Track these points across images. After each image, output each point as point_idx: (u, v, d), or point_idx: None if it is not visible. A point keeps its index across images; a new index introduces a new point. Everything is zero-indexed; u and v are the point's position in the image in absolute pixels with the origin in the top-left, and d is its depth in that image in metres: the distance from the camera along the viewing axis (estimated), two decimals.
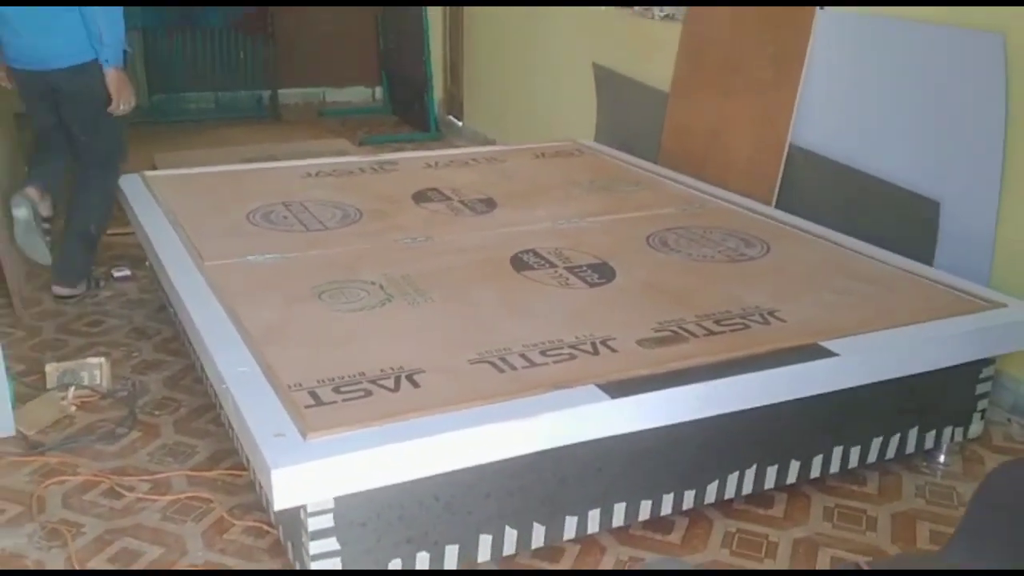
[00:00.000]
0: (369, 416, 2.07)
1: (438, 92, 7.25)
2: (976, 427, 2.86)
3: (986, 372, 2.80)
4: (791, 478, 2.59)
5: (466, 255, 3.10)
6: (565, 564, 2.36)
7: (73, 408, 3.02)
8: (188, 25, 7.34)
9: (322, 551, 2.05)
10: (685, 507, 2.48)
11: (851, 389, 2.49)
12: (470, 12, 6.86)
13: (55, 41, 3.59)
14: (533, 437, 2.14)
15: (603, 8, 5.22)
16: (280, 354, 2.34)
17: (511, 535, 2.26)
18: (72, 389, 3.06)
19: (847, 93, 3.62)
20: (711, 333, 2.53)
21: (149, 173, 3.99)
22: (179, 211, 3.45)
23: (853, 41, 3.60)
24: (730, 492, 2.52)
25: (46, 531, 2.43)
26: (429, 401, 2.14)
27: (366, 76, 8.14)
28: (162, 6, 7.04)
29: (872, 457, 2.70)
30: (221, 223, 3.37)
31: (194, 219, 3.37)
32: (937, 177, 3.27)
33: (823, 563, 2.39)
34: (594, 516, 2.35)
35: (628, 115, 4.95)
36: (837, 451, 2.64)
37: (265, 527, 2.44)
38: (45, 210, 3.79)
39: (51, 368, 3.14)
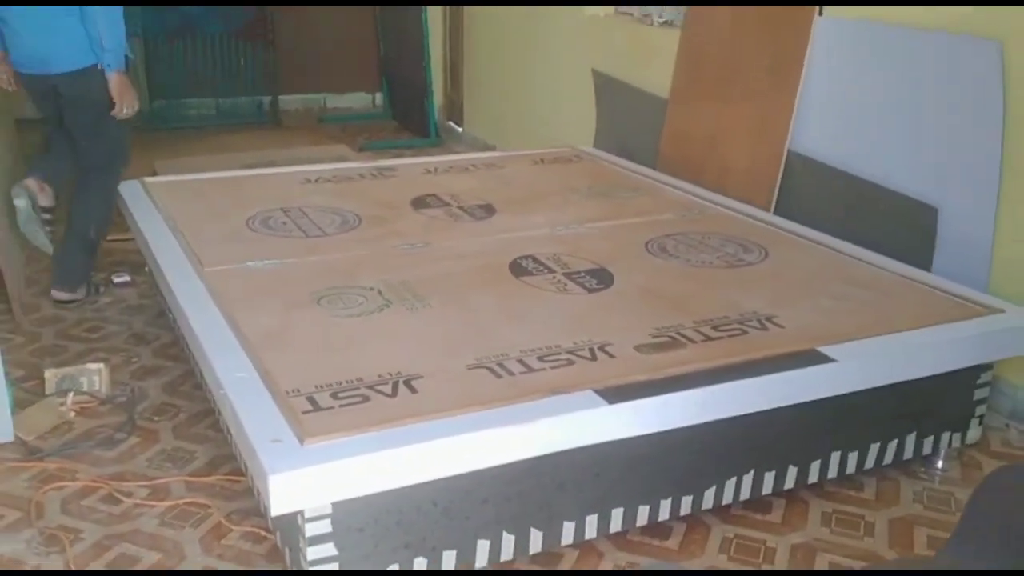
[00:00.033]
0: (366, 422, 2.07)
1: (438, 98, 7.26)
2: (974, 433, 2.86)
3: (984, 378, 2.80)
4: (789, 484, 2.60)
5: (465, 261, 3.11)
6: (563, 569, 2.36)
7: (72, 414, 3.02)
8: (189, 32, 7.35)
9: (320, 557, 2.05)
10: (683, 512, 2.48)
11: (849, 394, 2.49)
12: (470, 18, 6.87)
13: (56, 45, 3.61)
14: (530, 442, 2.14)
15: (602, 15, 5.24)
16: (278, 360, 2.34)
17: (509, 541, 2.27)
18: (71, 395, 3.06)
19: (845, 99, 3.63)
20: (709, 339, 2.54)
21: (149, 179, 4.00)
22: (178, 217, 3.46)
23: (851, 48, 3.61)
24: (728, 498, 2.52)
25: (44, 537, 2.43)
26: (426, 407, 2.14)
27: (366, 82, 8.16)
28: (161, 6, 7.05)
29: (870, 463, 2.70)
30: (220, 229, 3.37)
31: (193, 225, 3.38)
32: (935, 183, 3.28)
33: (821, 569, 2.40)
34: (592, 521, 2.36)
35: (627, 121, 4.96)
36: (835, 457, 2.64)
37: (263, 532, 2.44)
38: (45, 200, 3.81)
39: (50, 374, 3.15)
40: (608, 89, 5.11)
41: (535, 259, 3.11)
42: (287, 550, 2.25)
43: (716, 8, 4.24)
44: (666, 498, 2.44)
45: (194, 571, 2.33)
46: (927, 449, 2.79)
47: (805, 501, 2.65)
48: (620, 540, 2.45)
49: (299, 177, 4.13)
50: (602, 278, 2.96)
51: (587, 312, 2.72)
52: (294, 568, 2.20)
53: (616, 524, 2.39)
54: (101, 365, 3.18)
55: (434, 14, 7.02)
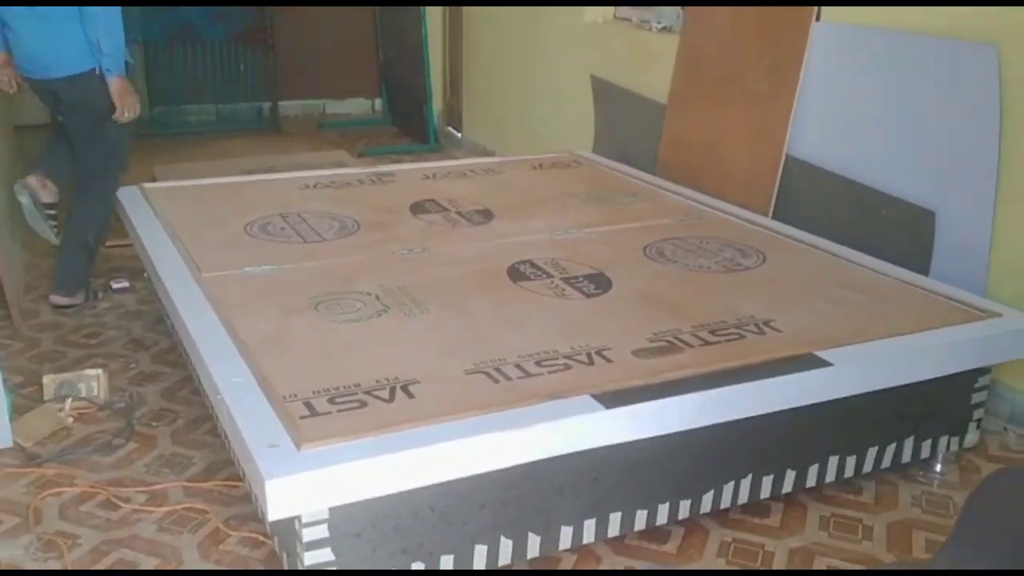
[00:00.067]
0: (363, 427, 2.07)
1: (437, 104, 7.27)
2: (972, 436, 2.86)
3: (982, 381, 2.80)
4: (787, 488, 2.60)
5: (463, 266, 3.11)
6: (563, 570, 2.36)
7: (70, 420, 3.02)
8: (189, 38, 7.36)
9: (317, 561, 2.05)
10: (681, 517, 2.48)
11: (846, 398, 2.50)
12: (470, 24, 6.88)
13: (55, 50, 3.63)
14: (528, 447, 2.14)
15: (600, 20, 5.25)
16: (275, 365, 2.35)
17: (506, 545, 2.27)
18: (69, 401, 3.06)
19: (843, 104, 3.64)
20: (706, 343, 2.54)
21: (148, 185, 4.01)
22: (177, 223, 3.46)
23: (848, 53, 3.62)
24: (726, 502, 2.52)
25: (42, 542, 2.43)
26: (423, 412, 2.14)
27: (366, 88, 8.16)
28: (160, 13, 7.06)
29: (868, 466, 2.70)
30: (219, 235, 3.38)
31: (192, 231, 3.38)
32: (933, 187, 3.28)
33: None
34: (589, 526, 2.36)
35: (626, 127, 4.96)
36: (833, 460, 2.64)
37: (261, 538, 2.44)
38: (48, 197, 3.88)
39: (48, 380, 3.15)
40: (607, 94, 5.12)
41: (533, 264, 3.11)
42: (285, 555, 2.24)
43: (714, 14, 4.25)
44: (664, 502, 2.44)
45: (194, 571, 2.34)
46: (925, 453, 2.79)
47: (803, 505, 2.65)
48: (618, 544, 2.45)
49: (298, 183, 4.14)
50: (600, 283, 2.96)
51: (585, 317, 2.72)
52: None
53: (614, 528, 2.39)
54: (99, 371, 3.18)
55: (433, 20, 7.03)
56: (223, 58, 7.53)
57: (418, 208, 3.77)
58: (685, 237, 3.42)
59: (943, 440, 2.81)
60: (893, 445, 2.72)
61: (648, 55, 4.77)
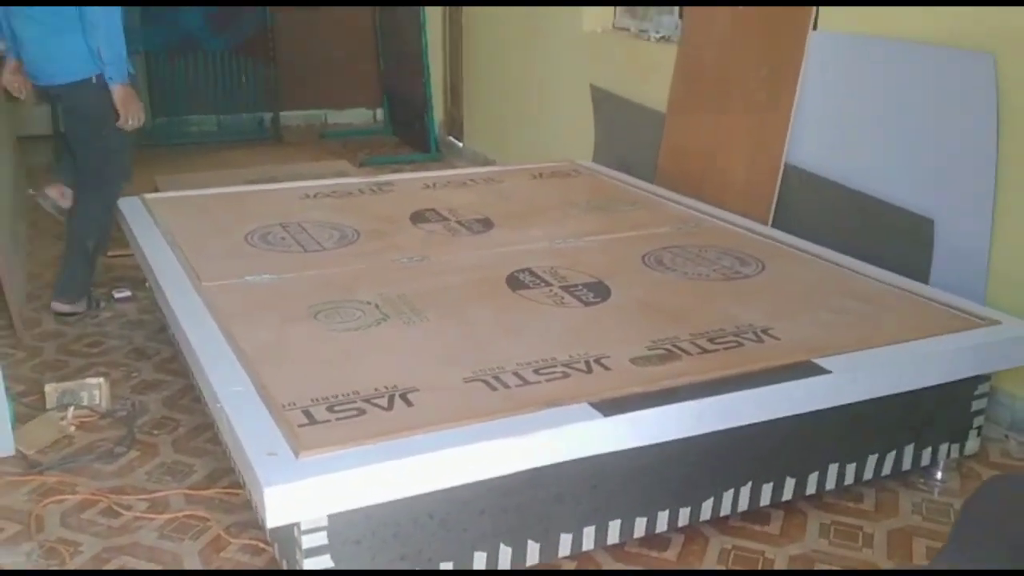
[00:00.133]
0: (362, 434, 2.08)
1: (438, 113, 7.30)
2: (972, 444, 2.86)
3: (981, 389, 2.80)
4: (787, 495, 2.60)
5: (462, 275, 3.12)
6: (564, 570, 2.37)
7: (72, 428, 3.03)
8: (190, 49, 7.40)
9: (316, 569, 2.06)
10: (680, 524, 2.48)
11: (846, 406, 2.50)
12: (470, 33, 6.91)
13: (55, 57, 3.68)
14: (526, 455, 2.14)
15: (600, 30, 5.28)
16: (275, 373, 2.36)
17: (506, 552, 2.27)
18: (71, 409, 3.08)
19: (841, 113, 3.65)
20: (705, 351, 2.55)
21: (149, 195, 4.03)
22: (178, 233, 3.47)
23: (846, 61, 3.63)
24: (726, 509, 2.53)
25: (44, 550, 2.44)
26: (422, 419, 2.15)
27: (367, 98, 8.19)
28: (161, 24, 7.10)
29: (868, 474, 2.71)
30: (219, 244, 3.39)
31: (192, 240, 3.40)
32: (931, 195, 3.29)
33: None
34: (589, 533, 2.36)
35: (625, 136, 4.98)
36: (833, 468, 2.65)
37: (261, 545, 2.45)
38: (68, 203, 3.99)
39: (50, 388, 3.16)
40: (606, 104, 5.13)
41: (532, 272, 3.12)
42: (285, 562, 2.25)
43: (712, 23, 4.27)
44: (663, 510, 2.44)
45: (195, 571, 2.35)
46: (926, 460, 2.80)
47: (803, 512, 2.65)
48: (618, 552, 2.45)
49: (298, 192, 4.16)
50: (599, 291, 2.97)
51: (583, 325, 2.73)
52: None
53: (614, 536, 2.40)
54: (101, 379, 3.20)
55: (434, 30, 7.06)
56: (224, 69, 7.56)
57: (418, 217, 3.78)
58: (684, 245, 3.43)
59: (943, 447, 2.81)
60: (893, 452, 2.72)
61: (647, 65, 4.79)
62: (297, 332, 2.64)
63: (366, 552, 2.10)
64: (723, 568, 2.43)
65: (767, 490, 2.56)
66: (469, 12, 6.85)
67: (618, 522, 2.39)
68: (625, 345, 2.56)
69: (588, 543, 2.37)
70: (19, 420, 2.99)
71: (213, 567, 2.39)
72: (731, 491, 2.51)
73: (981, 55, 3.07)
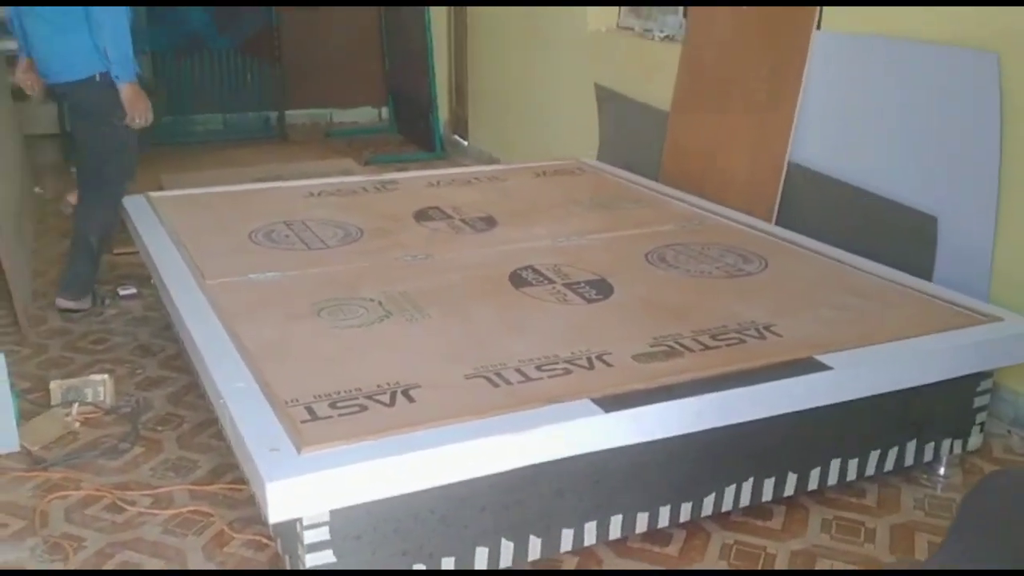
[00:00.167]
0: (364, 431, 2.09)
1: (443, 112, 7.31)
2: (975, 439, 2.86)
3: (984, 385, 2.80)
4: (789, 491, 2.60)
5: (465, 272, 3.13)
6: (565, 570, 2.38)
7: (77, 424, 3.05)
8: (196, 48, 7.42)
9: (318, 564, 2.07)
10: (682, 519, 2.49)
11: (848, 402, 2.50)
12: (474, 32, 6.92)
13: (60, 55, 3.72)
14: (528, 451, 2.15)
15: (604, 29, 5.28)
16: (278, 370, 2.37)
17: (507, 548, 2.28)
18: (76, 405, 3.09)
19: (844, 111, 3.65)
20: (707, 348, 2.55)
21: (153, 194, 4.04)
22: (182, 231, 3.49)
23: (849, 60, 3.63)
24: (727, 504, 2.53)
25: (48, 545, 2.45)
26: (424, 416, 2.16)
27: (372, 97, 8.21)
28: (168, 25, 7.12)
29: (871, 470, 2.71)
30: (224, 242, 3.41)
31: (197, 238, 3.41)
32: (935, 193, 3.29)
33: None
34: (590, 528, 2.37)
35: (630, 134, 4.98)
36: (835, 464, 2.65)
37: (264, 540, 2.46)
38: None
39: (55, 385, 3.18)
40: (611, 103, 5.14)
41: (535, 270, 3.13)
42: (287, 557, 2.26)
43: (716, 23, 4.27)
44: (665, 505, 2.45)
45: (195, 571, 2.36)
46: (928, 456, 2.80)
47: (806, 507, 2.66)
48: (620, 547, 2.46)
49: (303, 191, 4.17)
50: (601, 288, 2.98)
51: (586, 322, 2.74)
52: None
53: (615, 531, 2.40)
54: (105, 376, 3.21)
55: (438, 29, 7.08)
56: (230, 68, 7.58)
57: (422, 215, 3.79)
58: (687, 243, 3.43)
59: (946, 443, 2.81)
60: (896, 448, 2.72)
61: (651, 64, 4.80)
62: (300, 329, 2.65)
63: (367, 548, 2.11)
64: (725, 565, 2.43)
65: (769, 485, 2.57)
66: (474, 11, 6.87)
67: (620, 517, 2.39)
68: (627, 342, 2.56)
69: (590, 538, 2.37)
70: (24, 416, 3.01)
71: (216, 562, 2.40)
72: (733, 486, 2.52)
73: (985, 54, 3.07)
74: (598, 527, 2.37)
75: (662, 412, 2.27)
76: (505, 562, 2.29)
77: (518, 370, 2.39)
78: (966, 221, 3.19)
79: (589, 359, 2.46)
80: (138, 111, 3.76)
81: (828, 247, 3.38)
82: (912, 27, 3.34)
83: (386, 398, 2.24)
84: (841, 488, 2.71)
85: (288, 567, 2.26)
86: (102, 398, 3.16)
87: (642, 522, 2.43)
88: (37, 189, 5.70)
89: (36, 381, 3.34)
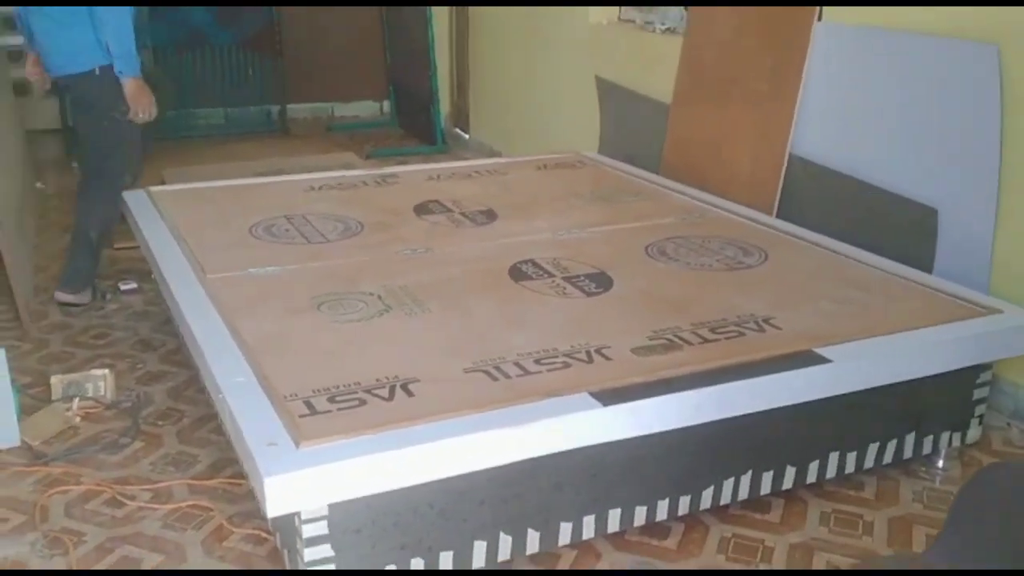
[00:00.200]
0: (362, 425, 2.09)
1: (445, 105, 7.30)
2: (974, 432, 2.86)
3: (983, 377, 2.80)
4: (787, 484, 2.60)
5: (465, 266, 3.13)
6: (561, 569, 2.38)
7: (77, 419, 3.06)
8: (198, 43, 7.41)
9: (317, 558, 2.07)
10: (681, 512, 2.49)
11: (847, 395, 2.50)
12: (476, 26, 6.91)
13: (60, 49, 3.75)
14: (526, 444, 2.15)
15: (605, 22, 5.27)
16: (277, 364, 2.37)
17: (506, 541, 2.28)
18: (76, 400, 3.10)
19: (845, 103, 3.64)
20: (706, 341, 2.55)
21: (154, 188, 4.04)
22: (183, 225, 3.49)
23: (850, 52, 3.62)
24: (726, 498, 2.53)
25: (48, 539, 2.46)
26: (422, 410, 2.16)
27: (374, 91, 8.20)
28: (169, 20, 7.11)
29: (869, 463, 2.71)
30: (224, 237, 3.41)
31: (197, 233, 3.41)
32: (935, 185, 3.28)
33: (818, 568, 2.40)
34: (589, 522, 2.37)
35: (631, 127, 4.98)
36: (834, 457, 2.65)
37: (264, 534, 2.47)
38: None
39: (56, 380, 3.19)
40: (612, 96, 5.13)
41: (535, 263, 3.13)
42: (286, 552, 2.27)
43: (717, 15, 4.26)
44: (664, 498, 2.45)
45: (196, 571, 2.36)
46: (927, 449, 2.80)
47: (804, 501, 2.66)
48: (618, 540, 2.46)
49: (303, 185, 4.17)
50: (601, 282, 2.98)
51: (585, 315, 2.74)
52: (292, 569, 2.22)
53: (614, 524, 2.41)
54: (106, 371, 3.22)
55: (440, 22, 7.07)
56: (232, 63, 7.57)
57: (422, 209, 3.79)
58: (687, 236, 3.43)
59: (945, 436, 2.81)
60: (894, 441, 2.73)
61: (652, 56, 4.79)
62: (300, 323, 2.66)
63: (366, 541, 2.12)
64: (723, 559, 2.43)
65: (767, 478, 2.57)
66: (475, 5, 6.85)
67: (618, 511, 2.40)
68: (626, 335, 2.56)
69: (588, 532, 2.38)
70: (25, 411, 3.02)
71: (215, 557, 2.40)
72: (731, 480, 2.52)
73: (985, 46, 3.06)
74: (596, 521, 2.38)
75: (660, 405, 2.27)
76: (503, 556, 2.29)
77: (517, 364, 2.39)
78: (966, 213, 3.19)
79: (588, 352, 2.46)
80: (141, 106, 3.77)
81: (828, 239, 3.38)
82: (912, 19, 3.33)
83: (385, 392, 2.24)
84: (840, 481, 2.72)
85: (287, 561, 2.27)
86: (103, 393, 3.17)
87: (640, 515, 2.43)
88: (39, 184, 5.71)
89: (37, 376, 3.35)
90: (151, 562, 2.38)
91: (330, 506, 2.04)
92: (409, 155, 6.76)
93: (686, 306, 2.78)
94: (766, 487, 2.57)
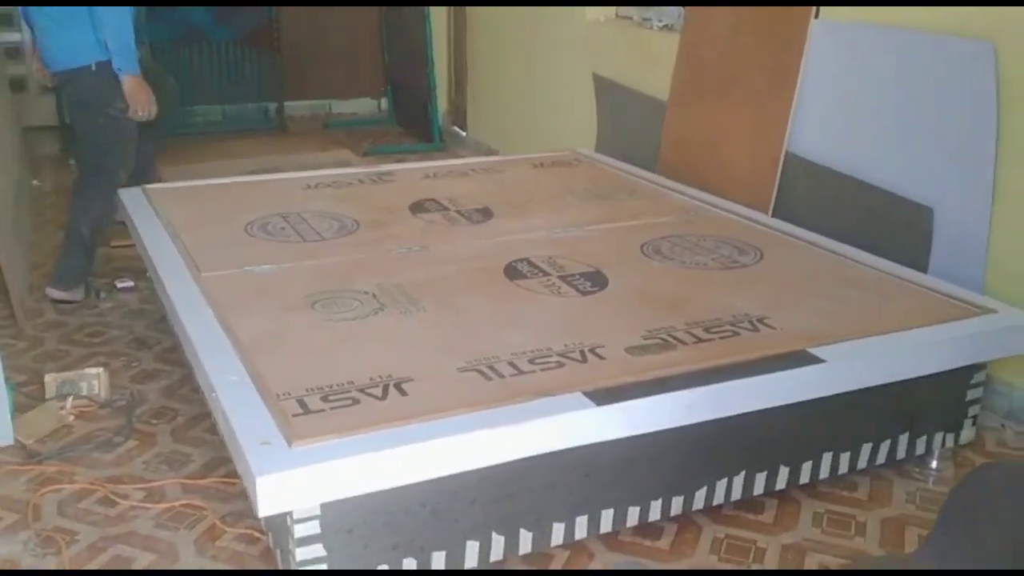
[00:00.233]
0: (355, 424, 2.09)
1: (442, 103, 7.29)
2: (968, 433, 2.86)
3: (977, 378, 2.80)
4: (780, 484, 2.60)
5: (460, 264, 3.13)
6: (554, 569, 2.38)
7: (71, 418, 3.05)
8: (195, 40, 7.40)
9: (308, 557, 2.07)
10: (674, 513, 2.49)
11: (840, 395, 2.50)
12: (473, 24, 6.90)
13: (57, 45, 3.78)
14: (518, 444, 2.15)
15: (603, 19, 5.26)
16: (270, 363, 2.37)
17: (498, 541, 2.28)
18: (70, 399, 3.10)
19: (842, 102, 3.64)
20: (700, 340, 2.55)
21: (150, 186, 4.03)
22: (178, 223, 3.49)
23: (847, 50, 3.62)
24: (719, 498, 2.53)
25: (41, 538, 2.46)
26: (415, 409, 2.16)
27: (371, 88, 8.20)
28: (167, 18, 7.10)
29: (862, 463, 2.71)
30: (219, 235, 3.40)
31: (193, 231, 3.41)
32: (931, 184, 3.28)
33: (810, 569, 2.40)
34: (581, 522, 2.37)
35: (628, 125, 4.97)
36: (827, 457, 2.65)
37: (256, 534, 2.46)
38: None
39: (50, 378, 3.18)
40: (609, 93, 5.13)
41: (530, 262, 3.12)
42: (278, 551, 2.27)
43: (715, 12, 4.26)
44: (656, 499, 2.45)
45: (191, 571, 2.36)
46: (920, 449, 2.80)
47: (797, 501, 2.66)
48: (611, 540, 2.46)
49: (299, 183, 4.16)
50: (596, 280, 2.98)
51: (579, 314, 2.73)
52: (284, 569, 2.22)
53: (606, 525, 2.41)
54: (100, 369, 3.21)
55: (438, 20, 7.06)
56: (229, 60, 7.56)
57: (418, 207, 3.79)
58: (683, 235, 3.43)
59: (938, 436, 2.81)
60: (888, 442, 2.73)
61: (650, 54, 4.78)
62: (294, 322, 2.65)
63: (358, 541, 2.12)
64: (716, 559, 2.43)
65: (761, 479, 2.57)
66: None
67: (611, 511, 2.40)
68: (621, 334, 2.56)
69: (581, 532, 2.38)
70: (19, 410, 3.01)
71: (208, 556, 2.40)
72: (724, 480, 2.52)
73: (981, 44, 3.06)
74: (589, 521, 2.38)
75: (653, 405, 2.26)
76: (496, 556, 2.29)
77: (511, 363, 2.39)
78: (962, 212, 3.19)
79: (582, 352, 2.46)
80: (140, 104, 3.78)
81: (824, 238, 3.37)
82: (909, 16, 3.33)
83: (378, 391, 2.24)
84: (833, 481, 2.71)
85: (279, 561, 2.27)
86: (97, 391, 3.17)
87: (633, 516, 2.43)
88: (35, 181, 5.70)
89: (31, 374, 3.35)
90: (143, 561, 2.38)
91: (322, 506, 2.04)
92: (407, 152, 6.75)
93: (681, 305, 2.78)
94: (759, 487, 2.57)
